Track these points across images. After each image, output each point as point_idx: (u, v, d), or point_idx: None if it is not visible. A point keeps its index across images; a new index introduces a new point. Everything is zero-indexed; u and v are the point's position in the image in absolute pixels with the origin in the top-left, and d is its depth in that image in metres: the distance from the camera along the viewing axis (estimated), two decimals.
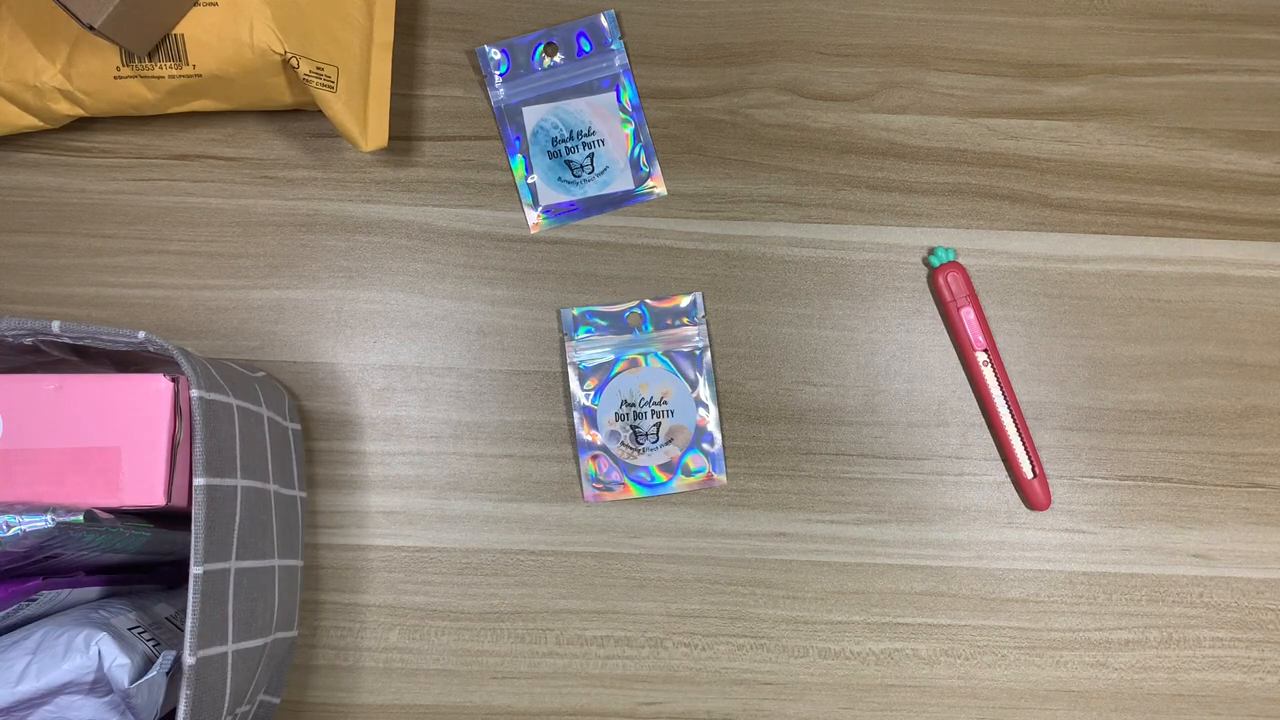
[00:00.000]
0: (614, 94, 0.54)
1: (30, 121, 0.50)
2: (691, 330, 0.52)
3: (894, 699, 0.50)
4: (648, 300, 0.52)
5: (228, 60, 0.48)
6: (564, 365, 0.52)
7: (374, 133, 0.50)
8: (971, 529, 0.51)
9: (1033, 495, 0.51)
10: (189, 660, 0.37)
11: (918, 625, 0.51)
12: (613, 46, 0.54)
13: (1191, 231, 0.53)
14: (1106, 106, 0.54)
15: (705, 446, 0.51)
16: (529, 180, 0.53)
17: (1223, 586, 0.51)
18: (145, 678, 0.37)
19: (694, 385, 0.52)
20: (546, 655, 0.50)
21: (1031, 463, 0.51)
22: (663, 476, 0.51)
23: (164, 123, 0.53)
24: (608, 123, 0.53)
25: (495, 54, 0.53)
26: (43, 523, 0.40)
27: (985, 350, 0.52)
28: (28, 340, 0.40)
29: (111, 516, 0.41)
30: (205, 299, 0.52)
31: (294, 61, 0.47)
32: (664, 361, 0.52)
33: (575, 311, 0.52)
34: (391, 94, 0.52)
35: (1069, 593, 0.51)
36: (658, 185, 0.53)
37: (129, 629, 0.39)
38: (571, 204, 0.53)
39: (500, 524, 0.51)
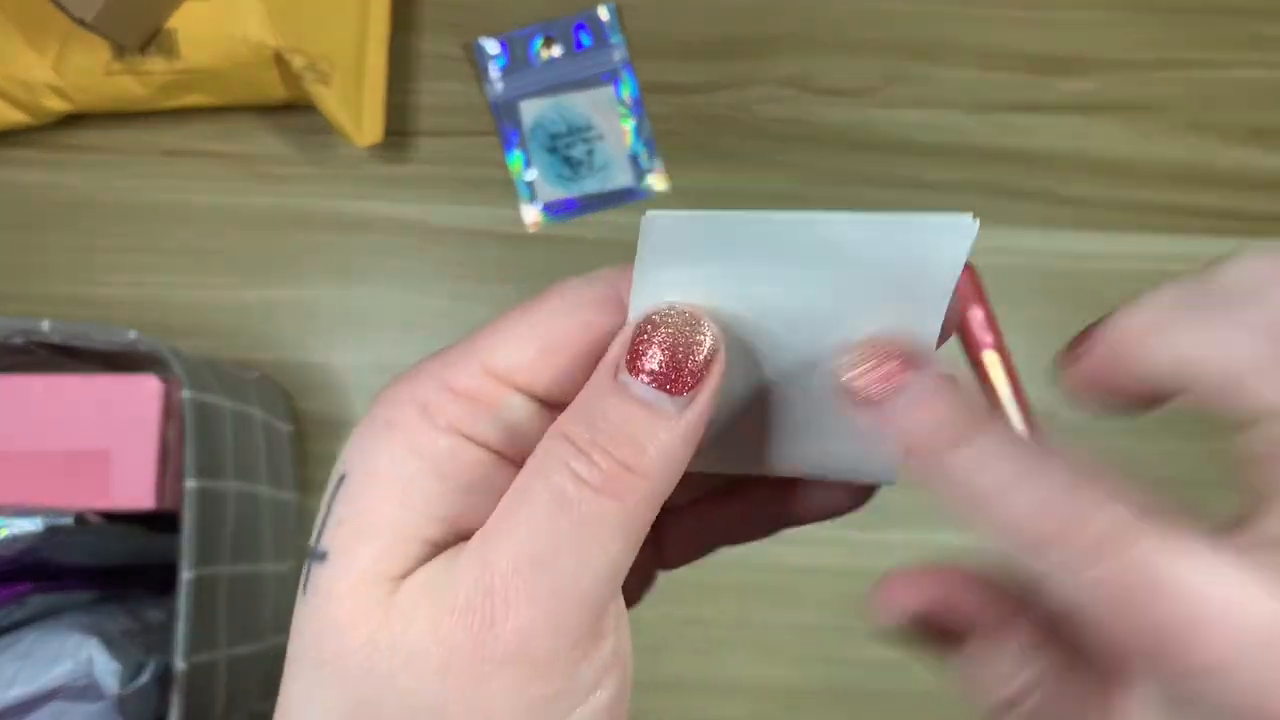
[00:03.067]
0: (614, 88, 0.53)
1: (20, 118, 0.49)
2: None
3: (899, 705, 0.50)
4: None
5: (220, 55, 0.47)
6: None
7: (369, 128, 0.49)
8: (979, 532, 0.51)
9: None
10: (180, 666, 0.37)
11: None
12: (612, 40, 0.53)
13: (1203, 228, 0.53)
14: (1117, 101, 0.54)
15: None
16: (527, 176, 0.52)
17: None
18: (136, 684, 0.37)
19: None
20: None
21: None
22: None
23: (155, 119, 0.52)
24: (607, 118, 0.53)
25: (492, 47, 0.53)
26: (32, 526, 0.40)
27: (994, 349, 0.51)
28: (17, 340, 0.39)
29: (102, 519, 0.41)
30: (197, 298, 0.51)
31: (288, 56, 0.47)
32: None
33: None
34: (387, 88, 0.51)
35: None
36: (659, 182, 0.53)
37: (120, 634, 0.38)
38: (570, 201, 0.52)
39: None
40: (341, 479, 0.17)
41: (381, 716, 0.15)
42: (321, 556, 0.16)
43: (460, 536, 0.16)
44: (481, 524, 0.16)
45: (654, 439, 0.16)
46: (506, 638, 0.15)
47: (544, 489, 0.15)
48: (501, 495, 0.16)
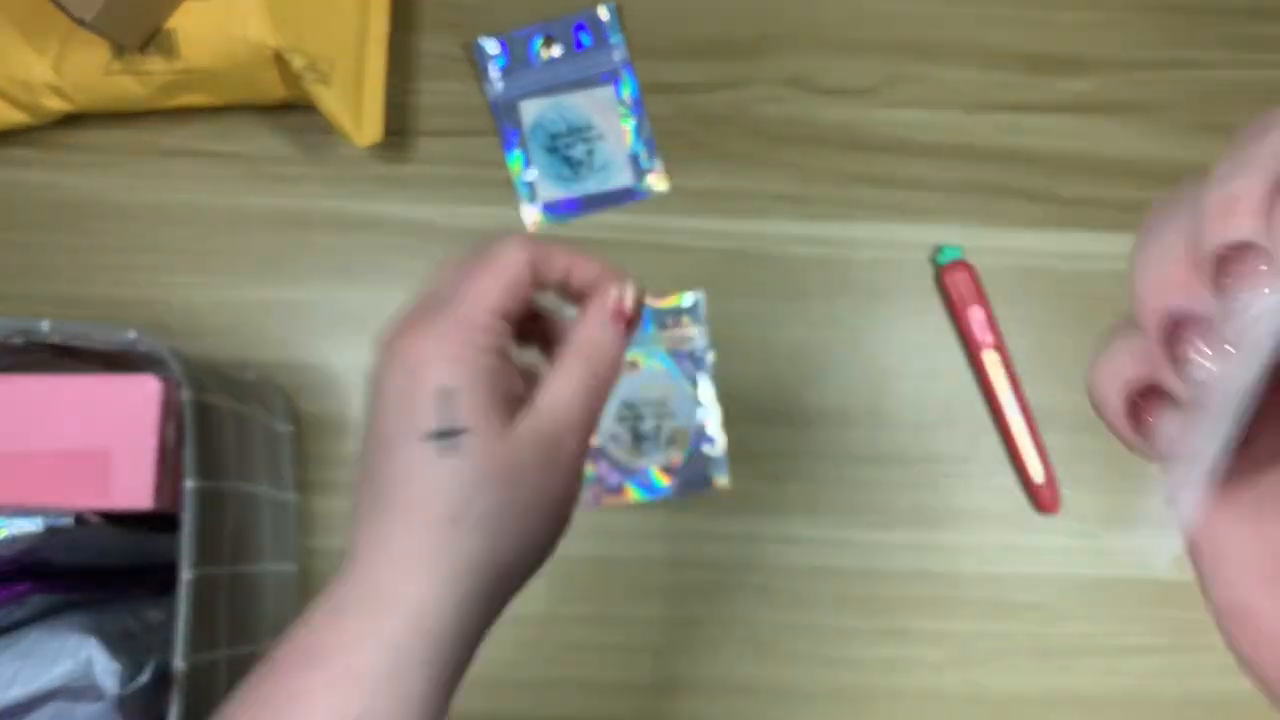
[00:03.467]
0: (613, 88, 0.53)
1: (19, 118, 0.49)
2: (693, 330, 0.51)
3: (901, 707, 0.50)
4: (648, 299, 0.51)
5: (220, 54, 0.47)
6: None
7: (369, 127, 0.49)
8: (980, 532, 0.51)
9: (1041, 498, 0.50)
10: (180, 666, 0.37)
11: (925, 631, 0.50)
12: (612, 39, 0.53)
13: None
14: (1116, 101, 0.54)
15: (707, 449, 0.51)
16: (527, 176, 0.52)
17: None
18: (136, 684, 0.37)
19: (696, 386, 0.51)
20: (544, 662, 0.50)
21: (1041, 465, 0.50)
22: (663, 480, 0.50)
23: (155, 119, 0.52)
24: (607, 118, 0.53)
25: (492, 47, 0.53)
26: (32, 526, 0.40)
27: (994, 350, 0.51)
28: (17, 340, 0.39)
29: (101, 520, 0.41)
30: (197, 298, 0.51)
31: (287, 56, 0.46)
32: (665, 361, 0.51)
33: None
34: (387, 88, 0.51)
35: (1079, 597, 0.50)
36: (659, 181, 0.52)
37: (120, 634, 0.38)
38: (570, 201, 0.52)
39: None
40: (448, 393, 0.27)
41: (523, 482, 0.28)
42: (461, 431, 0.27)
43: (514, 396, 0.29)
44: (514, 388, 0.30)
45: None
46: (572, 450, 0.29)
47: (591, 378, 0.30)
48: (513, 373, 0.30)
